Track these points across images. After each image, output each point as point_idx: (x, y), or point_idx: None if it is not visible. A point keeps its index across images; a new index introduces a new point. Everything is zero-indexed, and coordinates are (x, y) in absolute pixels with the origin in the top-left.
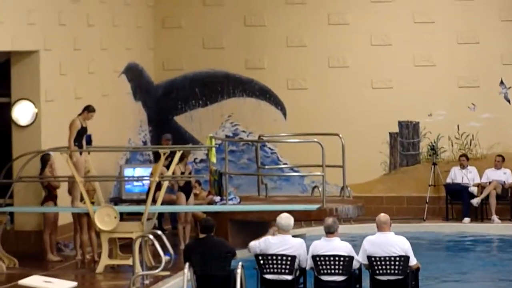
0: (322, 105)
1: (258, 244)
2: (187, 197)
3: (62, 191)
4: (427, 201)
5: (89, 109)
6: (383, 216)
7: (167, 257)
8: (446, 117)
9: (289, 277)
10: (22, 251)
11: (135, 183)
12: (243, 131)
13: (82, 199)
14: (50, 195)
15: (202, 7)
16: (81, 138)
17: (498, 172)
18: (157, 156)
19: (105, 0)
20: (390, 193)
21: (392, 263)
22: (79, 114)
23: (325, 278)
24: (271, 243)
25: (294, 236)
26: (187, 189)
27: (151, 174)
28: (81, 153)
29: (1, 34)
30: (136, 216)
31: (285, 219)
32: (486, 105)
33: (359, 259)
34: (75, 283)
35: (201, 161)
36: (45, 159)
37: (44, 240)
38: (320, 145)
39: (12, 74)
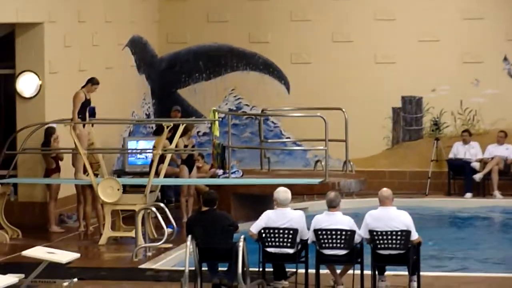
0: (325, 80)
1: (259, 224)
2: (190, 171)
3: (65, 163)
4: (430, 176)
5: (93, 82)
6: (385, 191)
7: (170, 230)
8: (449, 92)
9: (290, 251)
10: (25, 222)
11: (138, 156)
12: (247, 105)
13: (85, 171)
14: (58, 167)
15: None
16: (85, 110)
17: (501, 148)
18: (159, 129)
19: None
20: (393, 167)
21: (394, 237)
22: (83, 87)
23: (327, 252)
24: (271, 218)
25: (295, 209)
26: (190, 162)
27: (154, 147)
28: (84, 126)
29: (6, 6)
30: (139, 188)
31: (283, 193)
32: (490, 81)
33: (361, 233)
34: (77, 255)
35: (204, 134)
36: (49, 132)
37: (50, 211)
38: (323, 119)
39: (16, 46)
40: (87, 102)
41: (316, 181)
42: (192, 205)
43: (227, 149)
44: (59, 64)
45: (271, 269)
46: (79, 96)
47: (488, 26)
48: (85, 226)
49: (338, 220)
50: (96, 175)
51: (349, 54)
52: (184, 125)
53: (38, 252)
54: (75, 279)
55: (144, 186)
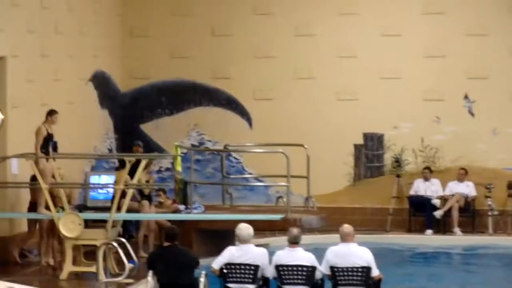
0: (288, 116)
1: (221, 260)
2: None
3: (28, 198)
4: (391, 212)
5: (51, 113)
6: (346, 228)
7: (131, 265)
8: (411, 129)
9: (252, 286)
10: None
11: (100, 191)
12: (209, 141)
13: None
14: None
15: (170, 16)
16: (48, 145)
17: (461, 185)
18: (122, 164)
19: (73, 8)
20: (354, 204)
21: (355, 273)
22: (44, 122)
23: None
24: (233, 255)
25: (257, 245)
26: (150, 197)
27: (115, 182)
28: (47, 160)
29: None
30: (101, 223)
31: (245, 229)
32: (451, 118)
33: (322, 269)
34: None
35: (167, 169)
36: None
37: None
38: (285, 155)
39: None
40: (49, 137)
41: (277, 217)
42: (153, 240)
43: (189, 184)
44: (21, 99)
45: None
46: (41, 131)
47: (449, 64)
48: (52, 258)
49: (300, 256)
50: (61, 208)
51: (311, 91)
52: (147, 160)
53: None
54: None
55: (105, 221)
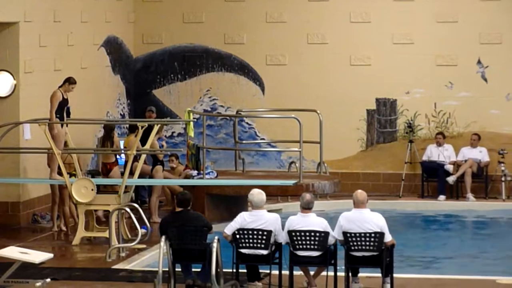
0: (300, 81)
1: (233, 226)
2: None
3: (40, 163)
4: (403, 178)
5: (70, 81)
6: (360, 194)
7: (144, 230)
8: (424, 95)
9: (264, 252)
10: None
11: None
12: (221, 106)
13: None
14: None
15: None
16: (62, 110)
17: (474, 151)
18: (131, 129)
19: None
20: (367, 169)
21: (367, 239)
22: (60, 86)
23: (301, 253)
24: (246, 221)
25: (269, 211)
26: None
27: (125, 147)
28: (62, 125)
29: None
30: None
31: (257, 195)
32: (464, 83)
33: (335, 234)
34: (51, 255)
35: (179, 135)
36: (109, 127)
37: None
38: (297, 121)
39: None
40: (64, 102)
41: (290, 182)
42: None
43: (201, 150)
44: (34, 64)
45: (245, 271)
46: (57, 95)
47: (462, 29)
48: (65, 225)
49: (312, 222)
50: (73, 175)
51: (324, 56)
52: (159, 125)
53: (11, 252)
54: (48, 279)
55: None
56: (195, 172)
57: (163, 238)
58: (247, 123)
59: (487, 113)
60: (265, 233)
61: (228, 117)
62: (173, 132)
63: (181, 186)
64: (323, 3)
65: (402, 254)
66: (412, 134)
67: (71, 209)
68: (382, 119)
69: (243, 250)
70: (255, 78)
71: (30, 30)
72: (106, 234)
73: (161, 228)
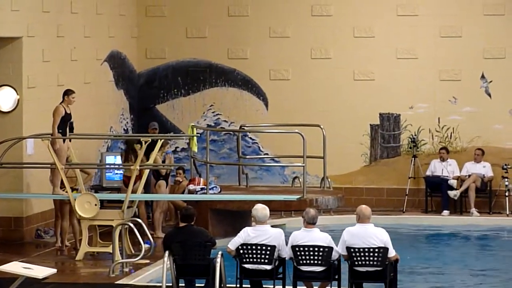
0: (304, 96)
1: (237, 241)
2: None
3: (44, 178)
4: (407, 193)
5: (68, 93)
6: (365, 209)
7: (147, 245)
8: (427, 110)
9: (268, 267)
10: (1, 237)
11: (116, 171)
12: (225, 121)
13: (63, 186)
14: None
15: None
16: (65, 125)
17: (478, 166)
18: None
19: None
20: (370, 184)
21: (371, 254)
22: (62, 102)
23: (304, 268)
24: (250, 236)
25: (273, 226)
26: (166, 178)
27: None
28: (64, 140)
29: None
30: (117, 204)
31: (261, 210)
32: (467, 98)
33: (339, 250)
34: (54, 270)
35: (182, 150)
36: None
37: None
38: (301, 136)
39: None
40: (67, 117)
41: (294, 197)
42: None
43: (205, 165)
44: (37, 79)
45: (249, 286)
46: (59, 111)
47: (466, 44)
48: (61, 241)
49: (316, 237)
50: (76, 189)
51: (327, 71)
52: (162, 140)
53: (15, 267)
54: None
55: (121, 202)
56: (198, 187)
57: (166, 253)
58: (250, 138)
59: (490, 128)
60: (268, 248)
61: (231, 132)
62: (176, 147)
63: (185, 201)
64: (326, 18)
65: (406, 269)
66: (416, 149)
67: (73, 224)
68: (386, 134)
69: (246, 265)
70: (259, 93)
71: (33, 45)
72: (109, 250)
73: (164, 243)
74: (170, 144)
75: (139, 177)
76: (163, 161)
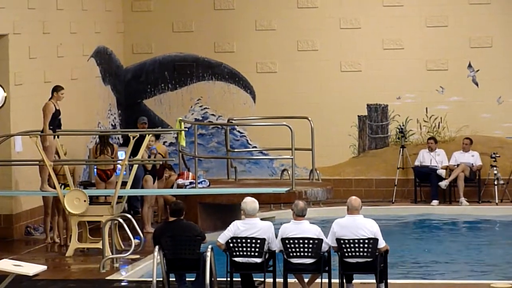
0: (291, 89)
1: (227, 234)
2: (154, 180)
3: (32, 175)
4: (396, 183)
5: (57, 89)
6: (354, 200)
7: (137, 240)
8: (415, 100)
9: (258, 260)
10: None
11: None
12: (213, 115)
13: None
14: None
15: None
16: (55, 121)
17: (466, 155)
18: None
19: None
20: (359, 175)
21: (361, 245)
22: (51, 98)
23: (294, 260)
24: (239, 229)
25: (262, 219)
26: (153, 172)
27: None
28: (54, 137)
29: None
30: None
31: (250, 203)
32: (455, 88)
33: (328, 241)
34: (44, 267)
35: (170, 144)
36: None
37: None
38: (289, 128)
39: None
40: (57, 113)
41: (283, 190)
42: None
43: (193, 159)
44: (24, 76)
45: (239, 279)
46: (49, 107)
47: (452, 33)
48: (58, 237)
49: (305, 229)
50: (66, 186)
51: (314, 63)
52: (150, 135)
53: (5, 265)
54: None
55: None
56: (187, 182)
57: (156, 248)
58: (238, 131)
59: (478, 117)
60: (258, 241)
61: (219, 126)
62: (164, 142)
63: (174, 195)
64: (312, 9)
65: (396, 259)
66: (404, 139)
67: (67, 220)
68: (374, 125)
69: (237, 259)
70: (246, 86)
71: (19, 42)
72: (99, 245)
73: (154, 238)
74: (160, 139)
75: (113, 170)
76: (149, 156)
